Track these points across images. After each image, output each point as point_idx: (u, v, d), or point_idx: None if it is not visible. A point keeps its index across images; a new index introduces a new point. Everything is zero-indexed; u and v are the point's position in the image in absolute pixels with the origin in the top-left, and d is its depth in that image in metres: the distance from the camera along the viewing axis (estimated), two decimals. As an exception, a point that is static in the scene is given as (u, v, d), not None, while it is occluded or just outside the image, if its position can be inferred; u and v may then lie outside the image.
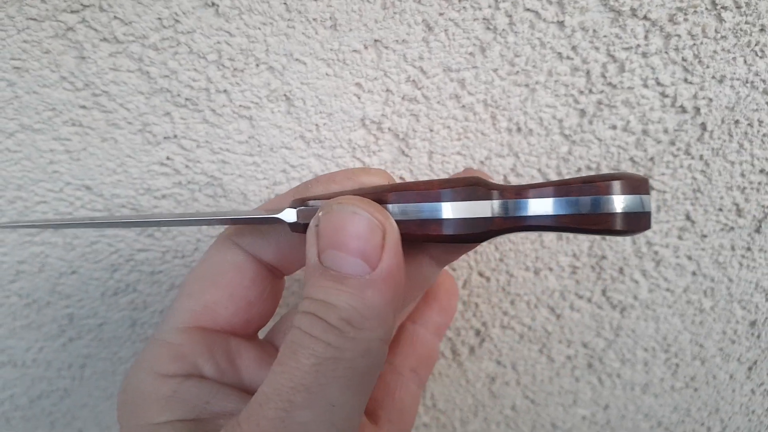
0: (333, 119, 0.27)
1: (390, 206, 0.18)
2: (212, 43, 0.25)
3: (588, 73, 0.27)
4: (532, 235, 0.33)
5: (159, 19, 0.24)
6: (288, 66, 0.26)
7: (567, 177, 0.30)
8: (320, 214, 0.18)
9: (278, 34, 0.25)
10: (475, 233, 0.19)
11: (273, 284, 0.22)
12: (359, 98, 0.27)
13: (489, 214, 0.19)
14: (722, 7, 0.25)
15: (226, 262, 0.21)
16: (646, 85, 0.27)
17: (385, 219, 0.17)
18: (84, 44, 0.24)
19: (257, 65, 0.25)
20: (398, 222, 0.18)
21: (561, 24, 0.25)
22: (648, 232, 0.33)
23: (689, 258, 0.34)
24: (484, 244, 0.33)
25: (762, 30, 0.26)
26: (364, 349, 0.16)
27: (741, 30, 0.26)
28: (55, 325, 0.33)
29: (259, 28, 0.24)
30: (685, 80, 0.27)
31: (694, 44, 0.26)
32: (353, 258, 0.17)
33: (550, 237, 0.32)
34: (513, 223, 0.19)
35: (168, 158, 0.28)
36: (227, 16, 0.24)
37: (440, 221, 0.18)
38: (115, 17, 0.24)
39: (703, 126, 0.29)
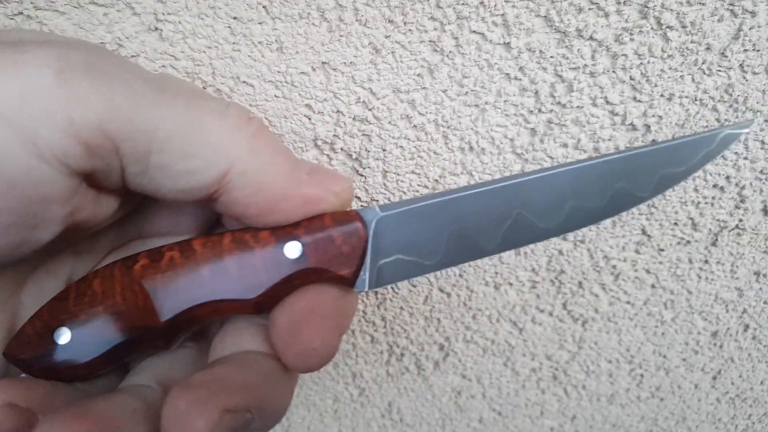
0: (284, 140, 0.27)
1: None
2: (157, 66, 0.25)
3: (537, 93, 0.27)
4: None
5: (102, 43, 0.24)
6: (236, 88, 0.26)
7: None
8: None
9: (224, 57, 0.25)
10: None
11: None
12: (310, 119, 0.27)
13: None
14: (668, 27, 0.25)
15: None
16: (595, 104, 0.27)
17: None
18: (27, 69, 0.24)
19: (204, 88, 0.25)
20: None
21: (507, 45, 0.25)
22: (605, 247, 0.33)
23: (647, 271, 0.34)
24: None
25: (708, 49, 0.26)
26: None
27: (687, 49, 0.26)
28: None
29: (204, 52, 0.24)
30: (634, 98, 0.27)
31: (642, 63, 0.26)
32: None
33: (507, 253, 0.33)
34: None
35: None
36: (171, 40, 0.24)
37: None
38: (58, 42, 0.23)
39: (654, 143, 0.29)
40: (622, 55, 0.26)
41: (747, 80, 0.27)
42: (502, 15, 0.24)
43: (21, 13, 0.23)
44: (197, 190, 0.19)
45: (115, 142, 0.17)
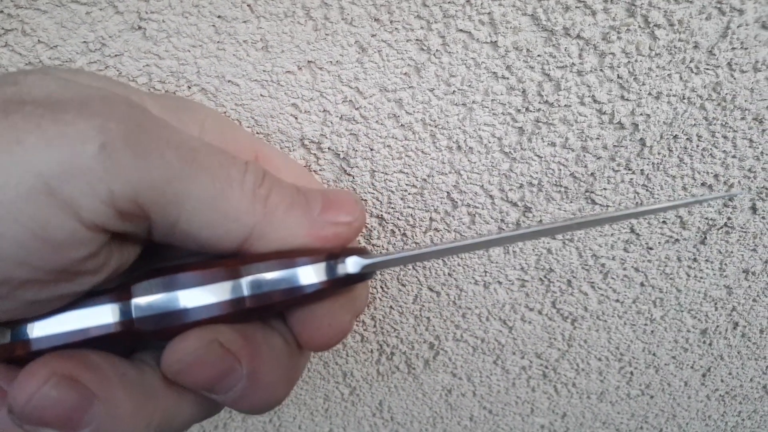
0: (271, 140, 0.27)
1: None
2: (141, 66, 0.24)
3: (524, 91, 0.27)
4: (479, 251, 0.33)
5: (85, 42, 0.23)
6: (221, 88, 0.25)
7: (509, 194, 0.30)
8: None
9: (209, 56, 0.24)
10: None
11: None
12: (296, 118, 0.27)
13: None
14: (655, 25, 0.25)
15: None
16: (582, 103, 0.27)
17: None
18: (9, 68, 0.24)
19: (189, 87, 0.25)
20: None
21: (494, 44, 0.25)
22: (593, 245, 0.33)
23: (636, 270, 0.34)
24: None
25: (696, 47, 0.26)
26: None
27: (675, 47, 0.26)
28: None
29: (189, 51, 0.24)
30: (622, 97, 0.27)
31: (629, 62, 0.26)
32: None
33: (496, 251, 0.33)
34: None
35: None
36: (155, 39, 0.24)
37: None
38: (39, 41, 0.23)
39: (642, 141, 0.29)
40: (610, 53, 0.26)
41: (735, 78, 0.27)
42: (489, 13, 0.24)
43: (1, 11, 0.22)
44: (220, 251, 0.20)
45: (147, 212, 0.18)
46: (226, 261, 0.20)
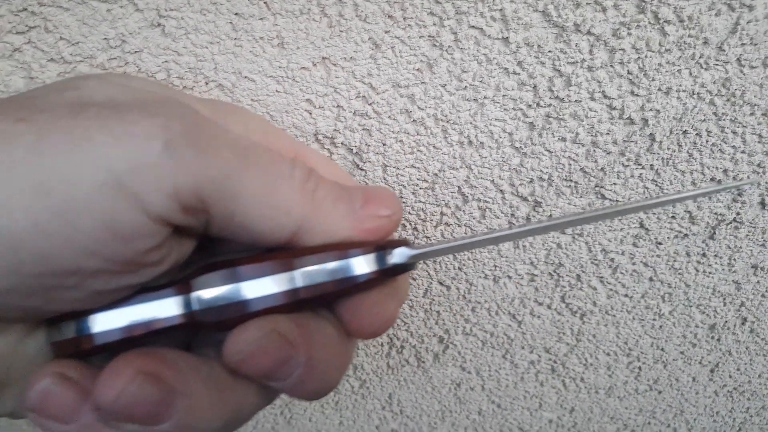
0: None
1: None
2: (160, 62, 0.25)
3: (535, 87, 0.27)
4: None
5: (105, 39, 0.24)
6: (237, 83, 0.26)
7: (519, 188, 0.30)
8: None
9: (226, 53, 0.25)
10: None
11: None
12: (311, 114, 0.27)
13: None
14: (665, 22, 0.26)
15: None
16: (593, 98, 0.28)
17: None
18: (32, 65, 0.24)
19: (207, 83, 0.26)
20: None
21: (506, 40, 0.26)
22: (602, 240, 0.33)
23: (645, 264, 0.34)
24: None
25: (705, 43, 0.26)
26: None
27: (685, 43, 0.26)
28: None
29: (207, 47, 0.25)
30: (632, 93, 0.28)
31: (639, 58, 0.27)
32: None
33: (506, 246, 0.33)
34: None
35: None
36: (174, 36, 0.24)
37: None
38: (62, 38, 0.24)
39: (652, 137, 0.29)
40: (620, 49, 0.26)
41: (744, 74, 0.27)
42: (501, 10, 0.25)
43: (25, 9, 0.23)
44: (270, 244, 0.21)
45: (207, 205, 0.19)
46: (280, 254, 0.21)
